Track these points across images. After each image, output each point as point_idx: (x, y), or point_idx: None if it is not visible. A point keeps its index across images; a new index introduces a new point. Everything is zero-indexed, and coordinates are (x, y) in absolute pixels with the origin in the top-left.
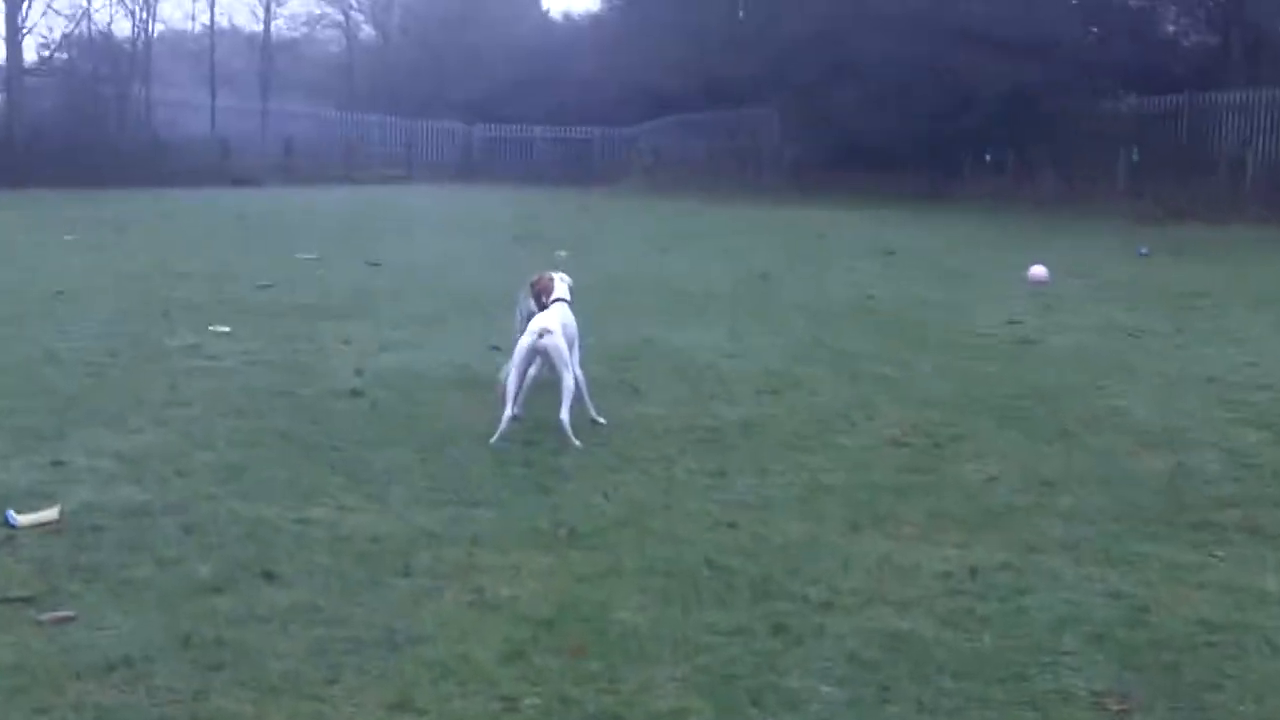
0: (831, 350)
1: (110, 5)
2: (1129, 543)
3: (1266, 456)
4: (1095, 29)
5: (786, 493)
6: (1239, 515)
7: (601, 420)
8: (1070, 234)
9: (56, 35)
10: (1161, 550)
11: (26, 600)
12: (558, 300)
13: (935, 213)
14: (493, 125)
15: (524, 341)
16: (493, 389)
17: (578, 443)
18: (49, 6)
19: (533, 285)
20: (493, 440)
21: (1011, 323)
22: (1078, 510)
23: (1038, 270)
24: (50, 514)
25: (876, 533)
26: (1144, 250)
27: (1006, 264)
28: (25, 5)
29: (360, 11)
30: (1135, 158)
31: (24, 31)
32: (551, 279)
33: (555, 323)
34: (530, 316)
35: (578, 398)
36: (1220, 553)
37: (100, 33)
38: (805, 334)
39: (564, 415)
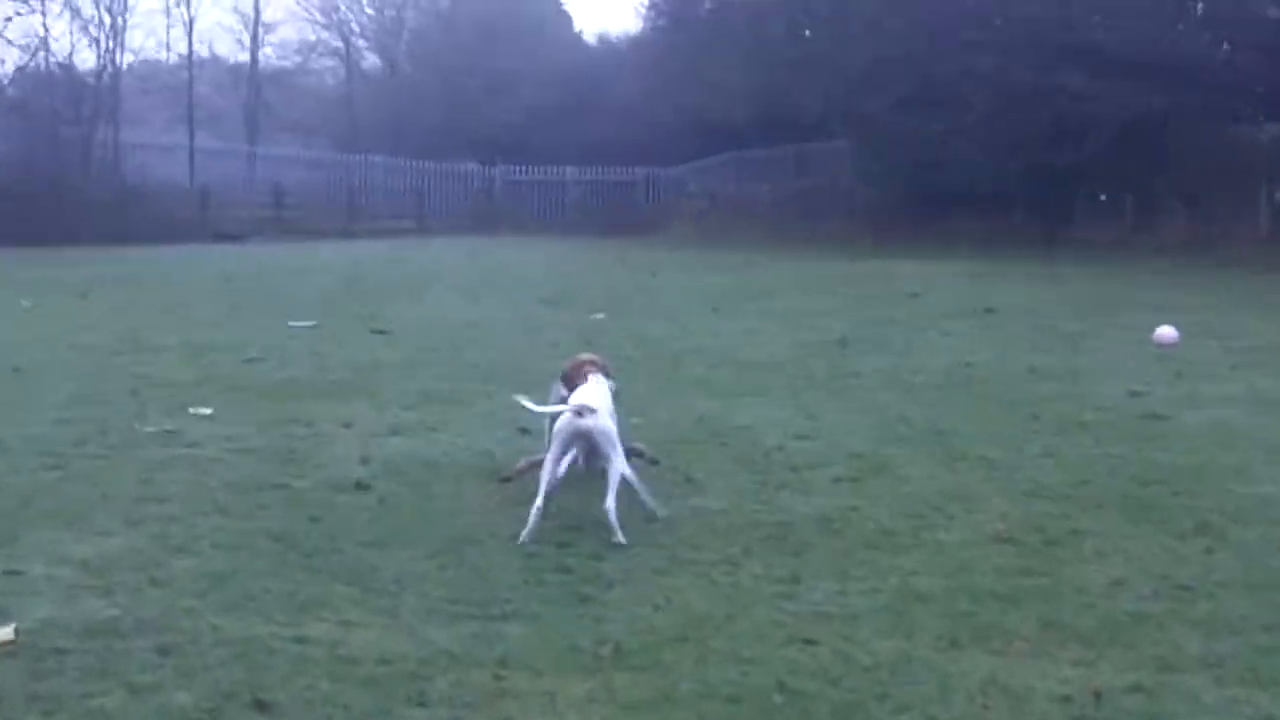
0: (923, 429)
1: (71, 34)
2: None
3: None
4: (1227, 45)
5: (872, 601)
6: None
7: (661, 513)
8: (1203, 287)
9: (9, 68)
10: None
11: None
12: (593, 373)
13: (1040, 263)
14: (517, 167)
15: (561, 422)
16: (515, 471)
17: (623, 539)
18: None
19: (564, 376)
20: (523, 536)
21: (1136, 394)
22: (1220, 619)
23: (1166, 332)
24: (4, 634)
25: (980, 649)
26: None
27: (1128, 324)
28: None
29: (363, 37)
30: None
31: None
32: (587, 367)
33: (597, 399)
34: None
35: (626, 486)
36: None
37: (60, 65)
38: (891, 410)
39: (609, 503)
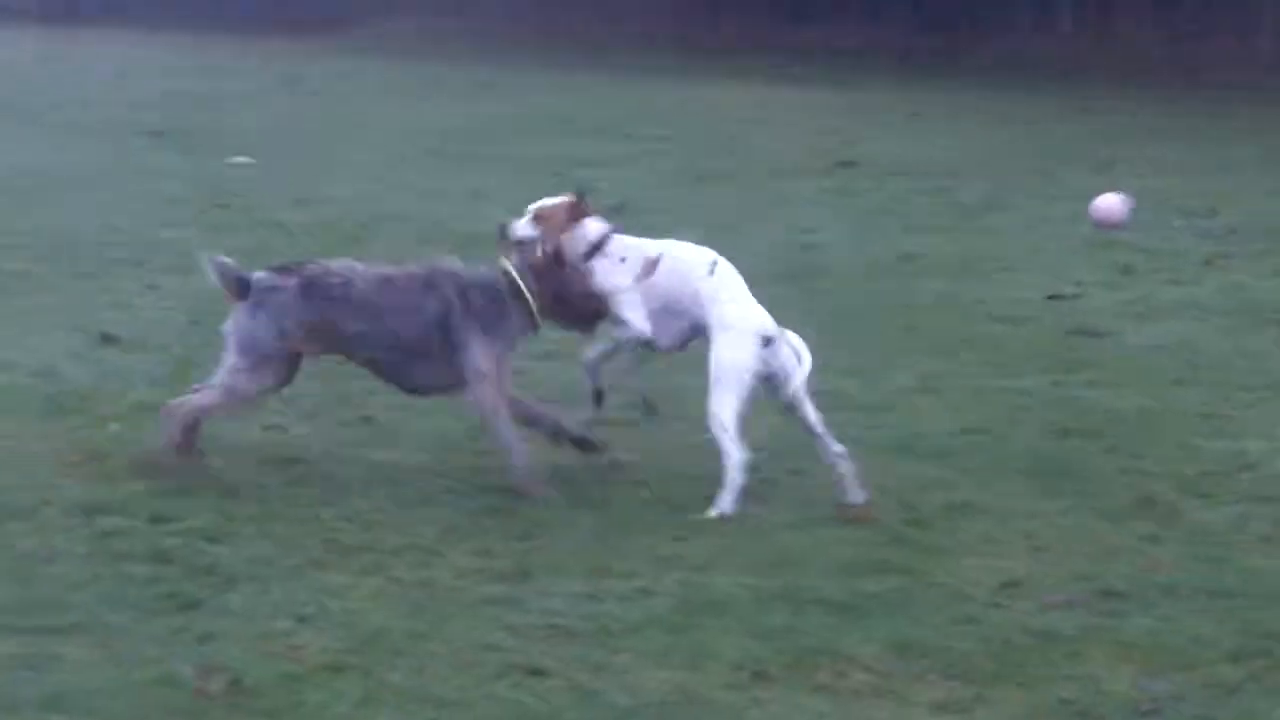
0: None
1: None
2: (1253, 699)
3: None
4: None
5: (640, 610)
6: None
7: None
8: (1172, 134)
9: None
10: None
11: None
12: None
13: (932, 91)
14: None
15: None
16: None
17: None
18: None
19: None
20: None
21: (1059, 298)
22: (1164, 644)
23: (1110, 203)
24: None
25: (800, 685)
26: None
27: (1055, 189)
28: None
29: None
30: None
31: None
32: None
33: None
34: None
35: None
36: None
37: None
38: None
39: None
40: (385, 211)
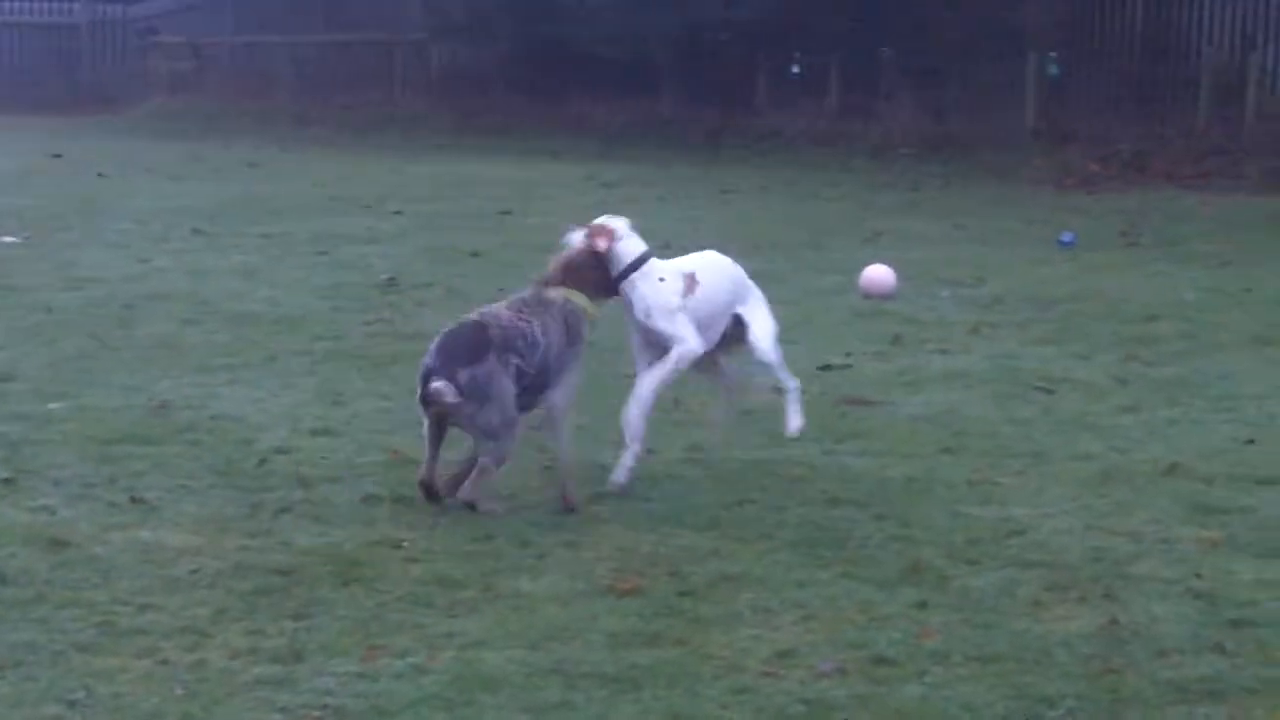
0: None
1: None
2: None
3: (1270, 606)
4: None
5: (412, 688)
6: (1221, 715)
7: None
8: (938, 208)
9: None
10: None
11: None
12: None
13: (702, 166)
14: None
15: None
16: None
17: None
18: None
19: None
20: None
21: (830, 368)
22: (900, 708)
23: (877, 275)
24: None
25: None
26: (1068, 237)
27: (825, 262)
28: None
29: None
30: (1054, 70)
31: None
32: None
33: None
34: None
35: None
36: None
37: None
38: None
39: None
40: (153, 291)
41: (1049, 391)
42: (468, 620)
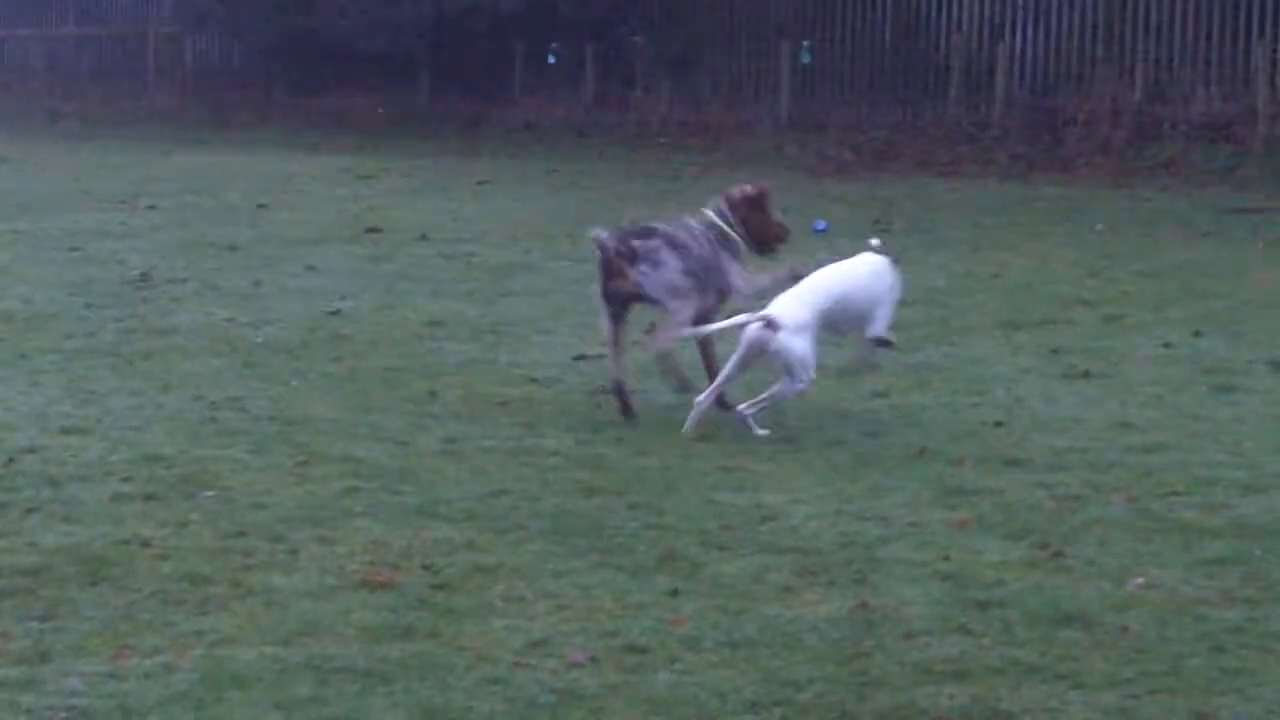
0: (262, 417)
1: None
2: None
3: (1015, 587)
4: None
5: (160, 687)
6: (966, 696)
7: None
8: (696, 196)
9: None
10: None
11: None
12: None
13: (458, 158)
14: None
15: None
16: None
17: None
18: None
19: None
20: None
21: (585, 358)
22: (683, 696)
23: None
24: None
25: None
26: (821, 225)
27: (583, 252)
28: None
29: None
30: (806, 58)
31: None
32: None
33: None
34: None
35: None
36: None
37: None
38: (216, 389)
39: (742, 407)
40: None
41: None
42: (219, 617)
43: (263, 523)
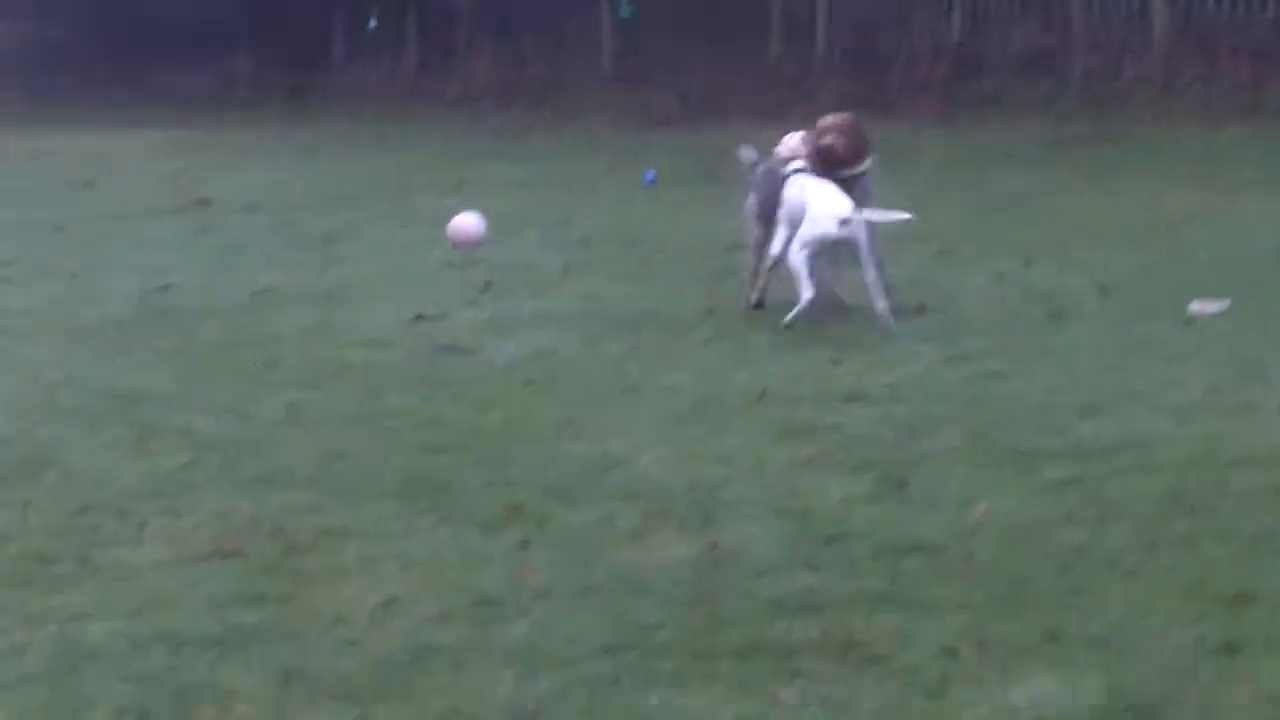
0: (99, 394)
1: None
2: (630, 692)
3: (860, 520)
4: None
5: (14, 668)
6: (817, 629)
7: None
8: (523, 154)
9: None
10: (689, 701)
11: None
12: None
13: (281, 128)
14: None
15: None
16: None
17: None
18: None
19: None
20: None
21: (423, 318)
22: (540, 645)
23: (466, 223)
24: None
25: None
26: (649, 176)
27: (412, 215)
28: None
29: None
30: (625, 12)
31: None
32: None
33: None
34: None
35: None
36: (789, 693)
37: None
38: (49, 368)
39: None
40: None
41: (638, 330)
42: (68, 595)
43: (107, 499)
